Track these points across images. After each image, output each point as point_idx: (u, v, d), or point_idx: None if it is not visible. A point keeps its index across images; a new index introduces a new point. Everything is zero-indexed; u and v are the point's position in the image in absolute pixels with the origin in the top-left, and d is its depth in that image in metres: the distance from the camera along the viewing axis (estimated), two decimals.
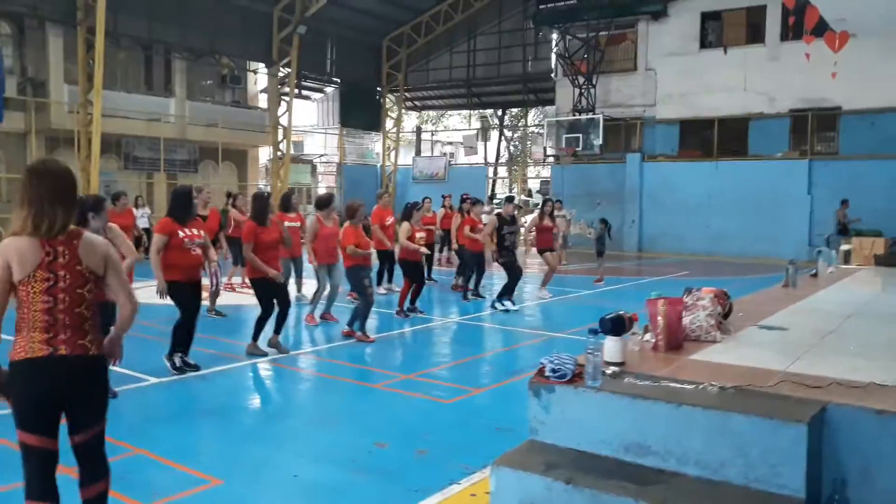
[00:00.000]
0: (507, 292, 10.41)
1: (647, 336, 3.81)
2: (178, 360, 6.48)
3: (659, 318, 3.68)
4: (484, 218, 11.93)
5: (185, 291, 6.38)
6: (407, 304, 9.91)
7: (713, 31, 22.28)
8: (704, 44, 22.19)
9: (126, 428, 4.82)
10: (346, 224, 8.37)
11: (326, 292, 9.29)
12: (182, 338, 6.47)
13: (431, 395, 6.09)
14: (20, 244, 2.78)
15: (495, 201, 19.01)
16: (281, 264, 9.41)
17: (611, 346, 3.32)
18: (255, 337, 7.30)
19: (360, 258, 8.14)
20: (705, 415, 2.78)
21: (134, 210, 12.04)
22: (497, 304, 10.32)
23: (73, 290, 2.85)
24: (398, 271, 10.67)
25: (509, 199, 11.81)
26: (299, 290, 10.54)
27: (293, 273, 10.23)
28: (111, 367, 3.46)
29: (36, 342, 2.79)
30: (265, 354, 7.24)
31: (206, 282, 8.05)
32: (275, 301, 7.23)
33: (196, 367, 6.58)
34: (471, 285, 11.61)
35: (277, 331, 7.44)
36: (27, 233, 2.78)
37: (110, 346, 3.10)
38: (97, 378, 2.97)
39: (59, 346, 2.81)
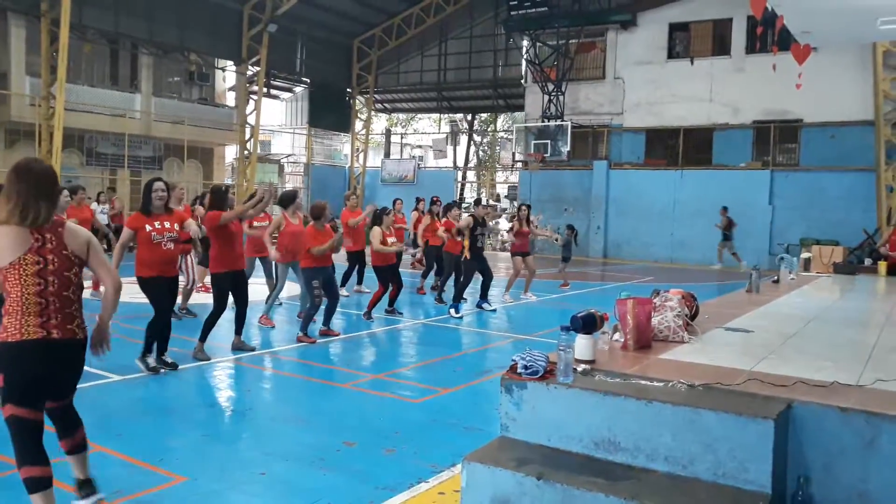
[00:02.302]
0: (458, 297, 10.43)
1: (617, 335, 3.86)
2: (152, 361, 6.34)
3: (628, 317, 3.72)
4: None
5: (158, 287, 6.20)
6: (385, 307, 9.91)
7: (680, 41, 22.68)
8: (672, 54, 22.58)
9: (87, 426, 4.70)
10: (310, 224, 8.27)
11: (297, 292, 9.21)
12: (155, 337, 6.33)
13: (400, 395, 6.08)
14: (8, 231, 3.04)
15: (464, 206, 19.14)
16: (246, 262, 9.30)
17: (582, 344, 3.35)
18: (203, 338, 7.00)
19: (318, 260, 8.03)
20: (674, 411, 2.83)
21: (96, 205, 11.73)
22: (451, 311, 10.28)
23: (62, 272, 3.12)
24: (369, 274, 10.60)
25: (478, 202, 11.85)
26: (272, 290, 10.35)
27: (264, 274, 10.11)
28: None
29: (31, 326, 3.05)
30: (208, 358, 6.95)
31: (181, 280, 7.93)
32: (231, 300, 7.08)
33: (174, 366, 6.45)
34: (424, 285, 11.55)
35: (238, 331, 7.34)
36: (14, 223, 3.04)
37: (98, 336, 3.37)
38: (81, 359, 3.29)
39: (51, 331, 3.09)
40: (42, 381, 3.14)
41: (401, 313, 10.05)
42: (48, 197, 3.11)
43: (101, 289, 10.17)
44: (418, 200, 14.73)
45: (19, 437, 3.10)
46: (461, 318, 10.07)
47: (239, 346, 7.34)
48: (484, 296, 10.74)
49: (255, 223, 9.39)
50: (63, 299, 3.12)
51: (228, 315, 7.28)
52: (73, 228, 3.23)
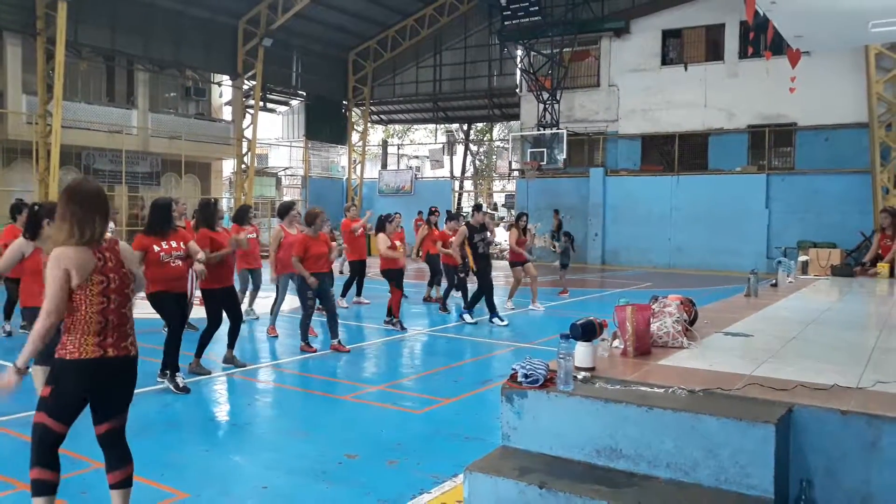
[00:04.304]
0: (473, 304, 10.38)
1: (616, 342, 3.86)
2: (181, 381, 6.28)
3: (628, 324, 3.73)
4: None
5: (169, 301, 6.20)
6: (384, 318, 9.90)
7: (674, 48, 22.77)
8: (665, 61, 22.67)
9: (87, 442, 4.68)
10: (303, 232, 8.26)
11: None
12: (177, 351, 6.30)
13: (401, 406, 6.07)
14: (77, 253, 3.12)
15: (463, 213, 19.26)
16: (239, 275, 9.32)
17: (581, 352, 3.35)
18: (199, 353, 7.00)
19: (314, 267, 7.96)
20: (676, 417, 2.83)
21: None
22: (465, 316, 10.30)
23: (122, 290, 3.26)
24: (369, 284, 10.60)
25: (478, 208, 11.82)
26: (251, 304, 10.36)
27: (251, 285, 10.11)
28: None
29: (89, 344, 3.15)
30: (209, 373, 6.98)
31: None
32: (224, 314, 7.06)
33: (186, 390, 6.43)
34: (433, 295, 11.53)
35: (231, 345, 7.30)
36: (74, 242, 3.13)
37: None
38: (133, 376, 3.39)
39: (108, 349, 3.20)
40: (90, 398, 3.24)
41: (404, 328, 9.96)
42: (102, 214, 3.24)
43: None
44: (428, 213, 14.43)
45: (40, 442, 3.19)
46: (475, 322, 10.14)
47: (230, 361, 7.29)
48: (470, 306, 10.48)
49: (243, 234, 9.37)
50: (120, 316, 3.25)
51: (224, 328, 7.27)
52: (125, 247, 3.39)
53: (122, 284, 3.26)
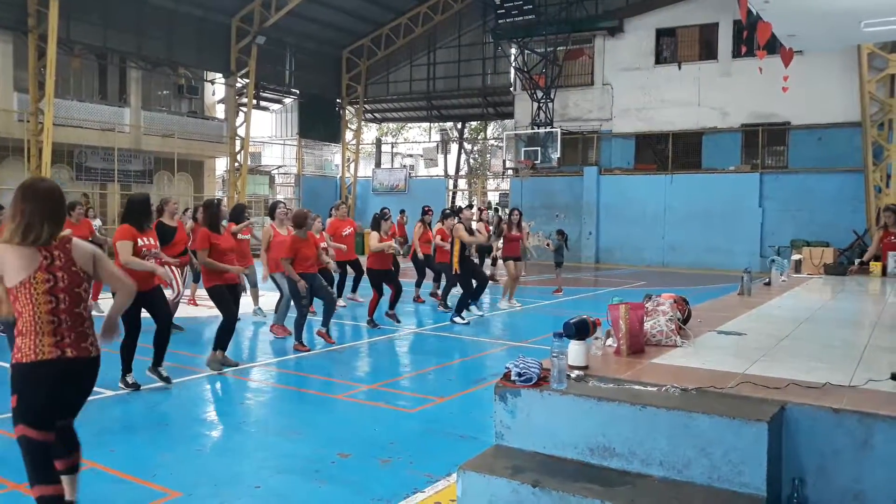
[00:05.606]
0: (461, 307, 10.36)
1: (610, 340, 3.86)
2: (130, 379, 6.25)
3: (621, 322, 3.73)
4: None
5: (132, 306, 6.03)
6: (386, 310, 9.91)
7: (667, 47, 22.81)
8: (659, 59, 22.71)
9: (80, 441, 4.67)
10: (292, 233, 8.28)
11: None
12: (132, 355, 6.25)
13: (395, 405, 6.06)
14: (15, 251, 3.03)
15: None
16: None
17: (575, 350, 3.35)
18: (223, 347, 7.05)
19: (304, 268, 7.97)
20: (669, 416, 2.83)
21: (92, 222, 11.63)
22: (457, 319, 10.27)
23: (72, 289, 3.12)
24: (365, 282, 10.59)
25: (468, 207, 11.83)
26: (255, 302, 10.37)
27: (246, 284, 10.07)
28: None
29: (45, 345, 3.04)
30: (236, 364, 7.13)
31: (168, 293, 7.83)
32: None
33: (168, 380, 6.42)
34: (421, 293, 11.47)
35: (216, 347, 7.21)
36: (15, 242, 3.04)
37: (106, 326, 3.41)
38: (94, 377, 3.29)
39: (66, 350, 3.09)
40: (56, 400, 3.12)
41: (399, 321, 10.00)
42: (53, 217, 3.11)
43: (98, 301, 9.93)
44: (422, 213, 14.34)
45: (31, 457, 3.08)
46: (468, 323, 10.10)
47: (221, 361, 7.21)
48: (475, 297, 10.61)
49: (239, 235, 9.35)
50: (75, 316, 3.12)
51: (208, 329, 7.24)
52: (78, 243, 3.22)
53: (71, 283, 3.12)
